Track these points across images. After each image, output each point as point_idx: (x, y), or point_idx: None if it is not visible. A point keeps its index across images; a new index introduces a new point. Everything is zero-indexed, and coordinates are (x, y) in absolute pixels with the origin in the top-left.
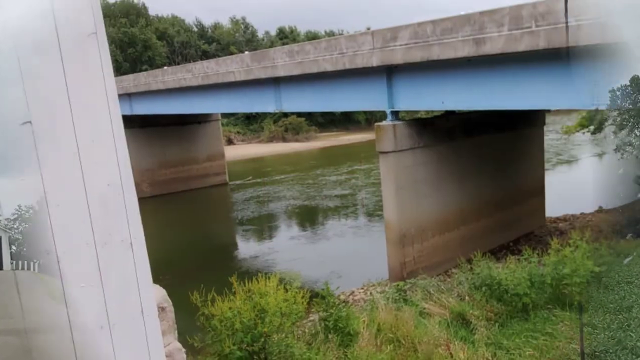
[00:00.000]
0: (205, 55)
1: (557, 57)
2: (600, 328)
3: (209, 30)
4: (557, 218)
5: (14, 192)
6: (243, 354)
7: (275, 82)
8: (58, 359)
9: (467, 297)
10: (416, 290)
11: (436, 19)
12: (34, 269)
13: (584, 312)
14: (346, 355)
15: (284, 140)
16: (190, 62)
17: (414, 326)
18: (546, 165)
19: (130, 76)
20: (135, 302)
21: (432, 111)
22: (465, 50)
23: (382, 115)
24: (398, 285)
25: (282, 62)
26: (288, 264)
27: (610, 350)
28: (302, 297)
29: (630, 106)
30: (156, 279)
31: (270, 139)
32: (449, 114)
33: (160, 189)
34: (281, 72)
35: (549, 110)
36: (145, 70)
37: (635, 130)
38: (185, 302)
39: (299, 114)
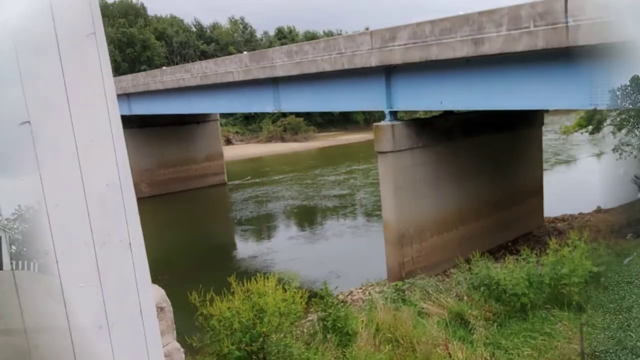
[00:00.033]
0: (204, 56)
1: (556, 57)
2: (600, 328)
3: (208, 31)
4: (556, 218)
5: (13, 192)
6: (242, 354)
7: (274, 82)
8: (57, 358)
9: (465, 297)
10: (415, 290)
11: (435, 19)
12: (33, 269)
13: (583, 312)
14: (344, 355)
15: (283, 140)
16: (189, 62)
17: (412, 326)
18: (545, 166)
19: (129, 76)
20: (134, 302)
21: (431, 111)
22: (464, 51)
23: (380, 116)
24: (396, 285)
25: (280, 62)
26: (287, 264)
27: (610, 350)
28: (301, 297)
29: (630, 106)
30: (155, 279)
31: (269, 139)
32: (447, 114)
33: (158, 189)
34: (280, 72)
35: (547, 111)
36: (144, 70)
37: (635, 130)
38: (184, 302)
39: (298, 114)
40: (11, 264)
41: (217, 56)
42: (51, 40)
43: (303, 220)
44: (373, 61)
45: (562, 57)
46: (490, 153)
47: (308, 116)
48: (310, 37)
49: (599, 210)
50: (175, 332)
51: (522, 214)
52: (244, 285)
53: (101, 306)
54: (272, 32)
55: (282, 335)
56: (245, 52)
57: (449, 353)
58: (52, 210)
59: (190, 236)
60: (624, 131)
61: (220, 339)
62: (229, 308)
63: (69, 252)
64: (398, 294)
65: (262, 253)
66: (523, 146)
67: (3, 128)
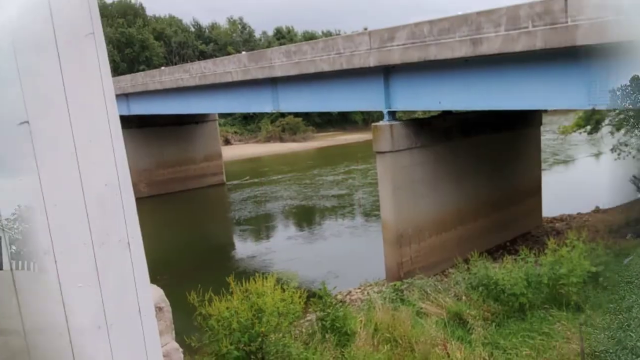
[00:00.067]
0: (203, 56)
1: (554, 58)
2: (599, 328)
3: (207, 31)
4: (554, 218)
5: (13, 192)
6: (240, 354)
7: (273, 82)
8: (55, 358)
9: (464, 297)
10: (413, 290)
11: (433, 19)
12: (33, 269)
13: (581, 312)
14: (343, 355)
15: (281, 140)
16: (187, 62)
17: (411, 326)
18: (543, 165)
19: (128, 76)
20: (132, 302)
21: (429, 111)
22: (462, 51)
23: (379, 116)
24: (395, 285)
25: (279, 62)
26: (285, 264)
27: (610, 350)
28: (300, 297)
29: (630, 106)
30: (154, 279)
31: (268, 139)
32: (446, 114)
33: (157, 189)
34: (278, 73)
35: (545, 111)
36: (143, 70)
37: (635, 130)
38: (183, 302)
39: (296, 114)
40: (11, 264)
41: (216, 56)
42: (50, 39)
43: (301, 220)
44: (372, 61)
45: (560, 57)
46: (488, 153)
47: (306, 116)
48: (309, 37)
49: (597, 210)
50: (174, 332)
51: (521, 214)
52: (242, 285)
53: (100, 306)
54: (270, 32)
55: (280, 335)
56: (243, 52)
57: (448, 353)
58: (51, 210)
59: (188, 236)
60: (622, 131)
61: (219, 338)
62: (227, 308)
63: (68, 252)
64: (396, 294)
65: (261, 253)
66: (521, 146)
67: (2, 128)
